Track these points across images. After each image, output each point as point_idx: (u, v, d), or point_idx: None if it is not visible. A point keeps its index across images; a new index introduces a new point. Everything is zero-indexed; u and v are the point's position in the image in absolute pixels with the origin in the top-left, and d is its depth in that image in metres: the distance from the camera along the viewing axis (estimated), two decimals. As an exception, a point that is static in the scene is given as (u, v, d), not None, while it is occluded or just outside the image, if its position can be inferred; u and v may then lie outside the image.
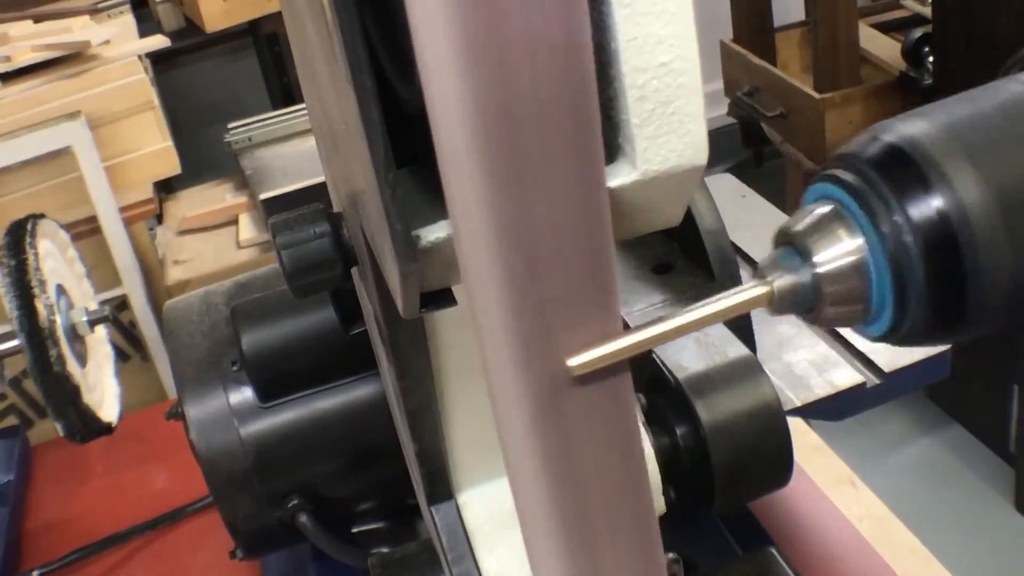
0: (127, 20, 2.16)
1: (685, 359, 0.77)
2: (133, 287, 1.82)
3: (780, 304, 0.35)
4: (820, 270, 0.35)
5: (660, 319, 0.33)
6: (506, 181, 0.28)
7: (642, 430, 0.70)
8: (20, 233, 0.90)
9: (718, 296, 0.34)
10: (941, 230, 0.33)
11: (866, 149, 0.36)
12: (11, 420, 1.79)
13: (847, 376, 0.90)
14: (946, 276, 0.34)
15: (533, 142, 0.28)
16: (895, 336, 0.36)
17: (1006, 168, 0.34)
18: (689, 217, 0.84)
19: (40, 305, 0.85)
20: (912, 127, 0.35)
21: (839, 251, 0.35)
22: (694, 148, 0.36)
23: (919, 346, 0.37)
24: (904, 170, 0.34)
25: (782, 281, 0.35)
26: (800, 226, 0.36)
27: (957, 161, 0.34)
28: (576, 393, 0.32)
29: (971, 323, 0.35)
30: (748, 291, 0.34)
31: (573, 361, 0.31)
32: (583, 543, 0.34)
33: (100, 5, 2.15)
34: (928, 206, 0.34)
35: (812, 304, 0.36)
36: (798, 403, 0.88)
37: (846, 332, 0.96)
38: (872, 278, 0.35)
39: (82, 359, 0.94)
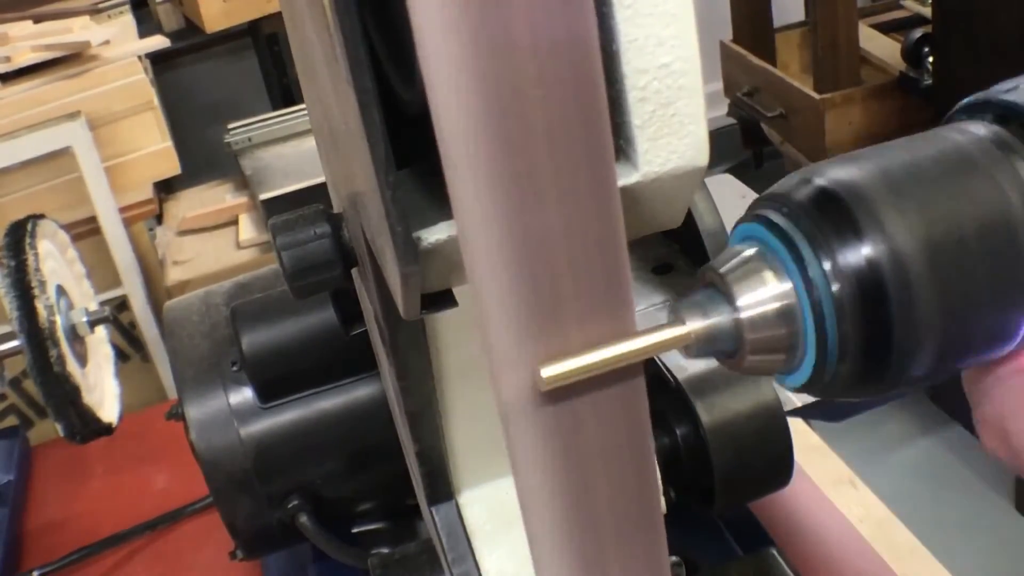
0: (127, 20, 2.16)
1: (685, 359, 0.77)
2: (133, 287, 1.82)
3: (698, 348, 0.34)
4: (742, 315, 0.33)
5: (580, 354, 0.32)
6: (511, 183, 0.28)
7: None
8: (20, 234, 0.90)
9: (636, 335, 0.31)
10: (869, 278, 0.32)
11: (797, 191, 0.35)
12: (11, 420, 1.79)
13: (847, 376, 0.90)
14: (872, 327, 0.33)
15: (540, 144, 0.28)
16: (815, 387, 0.35)
17: (937, 218, 0.33)
18: (689, 217, 0.84)
19: (40, 306, 0.85)
20: (845, 172, 0.34)
21: (763, 295, 0.34)
22: (695, 149, 0.36)
23: (841, 398, 0.36)
24: (834, 215, 0.33)
25: (701, 324, 0.33)
26: (724, 267, 0.34)
27: (888, 209, 0.33)
28: (587, 395, 0.31)
29: (895, 376, 0.34)
30: (665, 331, 0.32)
31: (547, 371, 0.30)
32: (590, 548, 0.34)
33: (100, 5, 2.15)
34: (857, 253, 0.32)
35: (732, 350, 0.34)
36: (798, 403, 0.88)
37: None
38: (795, 326, 0.34)
39: (82, 359, 0.94)
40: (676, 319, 0.33)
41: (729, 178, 1.28)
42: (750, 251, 0.35)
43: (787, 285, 0.33)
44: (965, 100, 0.39)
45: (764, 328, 0.34)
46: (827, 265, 0.33)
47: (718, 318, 0.33)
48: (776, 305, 0.33)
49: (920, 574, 0.90)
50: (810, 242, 0.33)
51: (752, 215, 0.35)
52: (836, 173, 0.34)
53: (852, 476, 0.99)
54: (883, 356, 0.33)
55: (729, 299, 0.34)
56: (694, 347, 0.34)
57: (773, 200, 0.35)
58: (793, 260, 0.33)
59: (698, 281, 0.36)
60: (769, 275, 0.34)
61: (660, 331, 0.32)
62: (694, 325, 0.33)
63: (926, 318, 0.33)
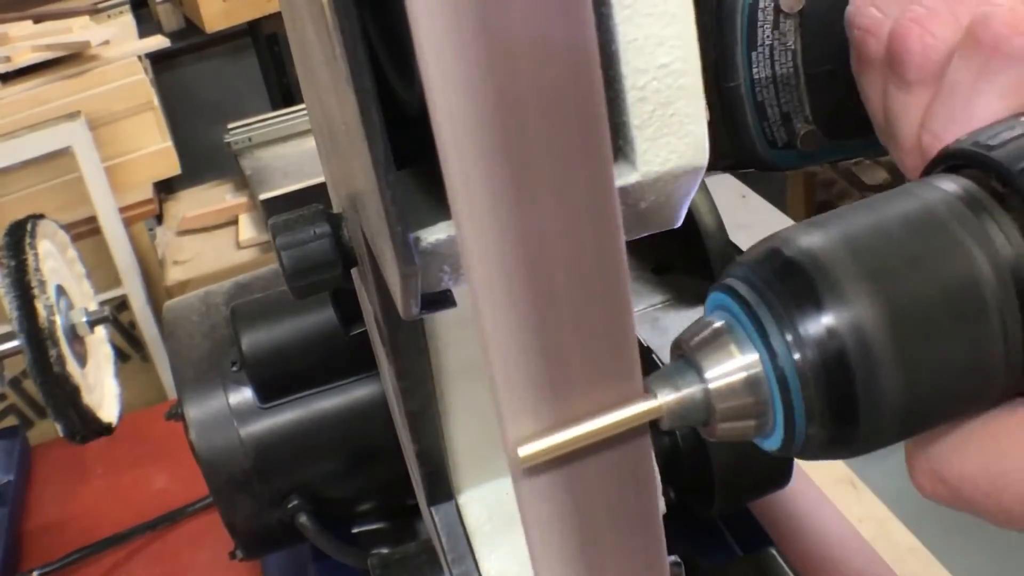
0: (127, 20, 2.16)
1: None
2: (133, 287, 1.82)
3: (670, 420, 0.34)
4: (711, 386, 0.34)
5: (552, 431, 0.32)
6: (512, 184, 0.28)
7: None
8: (20, 234, 0.90)
9: (608, 410, 0.32)
10: (830, 347, 0.32)
11: (762, 262, 0.34)
12: (11, 420, 1.79)
13: (847, 376, 0.90)
14: (836, 396, 0.33)
15: (540, 144, 0.28)
16: (789, 450, 0.35)
17: (901, 287, 0.33)
18: (689, 217, 0.84)
19: (40, 306, 0.85)
20: (809, 239, 0.34)
21: (730, 367, 0.34)
22: (694, 149, 0.36)
23: (818, 459, 0.36)
24: (796, 285, 0.33)
25: (672, 396, 0.34)
26: (694, 340, 0.35)
27: (851, 278, 0.33)
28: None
29: (862, 442, 0.34)
30: (637, 405, 0.33)
31: (522, 450, 0.31)
32: (588, 547, 0.34)
33: (100, 5, 2.16)
34: (817, 323, 0.32)
35: (704, 419, 0.34)
36: (798, 403, 0.88)
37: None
38: (763, 395, 0.34)
39: (82, 359, 0.94)
40: (648, 393, 0.33)
41: (729, 178, 1.28)
42: (718, 323, 0.35)
43: (752, 356, 0.34)
44: (943, 148, 0.38)
45: (732, 397, 0.34)
46: (789, 336, 0.33)
47: (688, 390, 0.34)
48: (742, 375, 0.34)
49: (920, 574, 0.90)
50: (773, 313, 0.33)
51: (721, 284, 0.35)
52: (801, 241, 0.34)
53: (852, 476, 1.00)
54: (850, 422, 0.33)
55: (698, 371, 0.34)
56: (666, 419, 0.34)
57: (740, 269, 0.35)
58: (757, 332, 0.34)
59: (672, 352, 0.36)
60: (734, 347, 0.34)
61: (632, 405, 0.33)
62: (665, 398, 0.33)
63: (890, 387, 0.33)
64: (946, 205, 0.34)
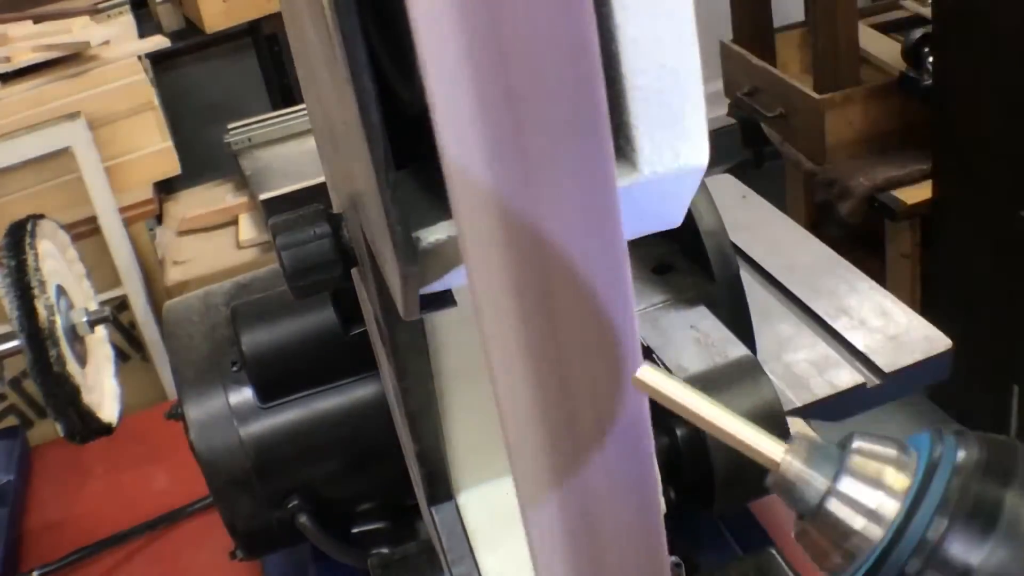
0: (127, 20, 2.15)
1: (685, 359, 0.77)
2: (133, 287, 1.82)
3: (776, 481, 0.33)
4: (838, 486, 0.32)
5: (693, 395, 0.31)
6: (512, 185, 0.28)
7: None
8: (20, 234, 0.90)
9: (743, 423, 0.32)
10: None
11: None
12: (11, 420, 1.78)
13: (847, 376, 0.90)
14: None
15: (540, 144, 0.28)
16: None
17: None
18: (689, 218, 0.84)
19: (40, 305, 0.85)
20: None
21: (864, 495, 0.32)
22: (695, 149, 0.36)
23: None
24: (984, 508, 0.31)
25: (797, 465, 0.32)
26: (865, 443, 0.33)
27: None
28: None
29: None
30: (766, 443, 0.32)
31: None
32: (589, 548, 0.34)
33: (100, 5, 2.15)
34: (966, 551, 0.30)
35: (802, 511, 0.33)
36: (798, 403, 0.88)
37: (846, 332, 0.96)
38: (863, 545, 0.32)
39: (82, 359, 0.93)
40: (789, 445, 0.32)
41: (729, 178, 1.28)
42: (900, 453, 0.33)
43: (893, 505, 0.32)
44: None
45: (839, 523, 0.32)
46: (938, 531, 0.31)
47: (813, 474, 0.33)
48: (866, 511, 0.32)
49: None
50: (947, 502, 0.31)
51: (937, 433, 0.34)
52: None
53: (852, 476, 0.99)
54: None
55: (835, 474, 0.33)
56: (773, 477, 0.33)
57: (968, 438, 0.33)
58: (940, 499, 0.32)
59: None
60: (892, 478, 0.32)
61: (762, 440, 0.32)
62: (791, 462, 0.33)
63: None
64: None
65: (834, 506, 0.32)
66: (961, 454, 0.32)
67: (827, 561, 0.34)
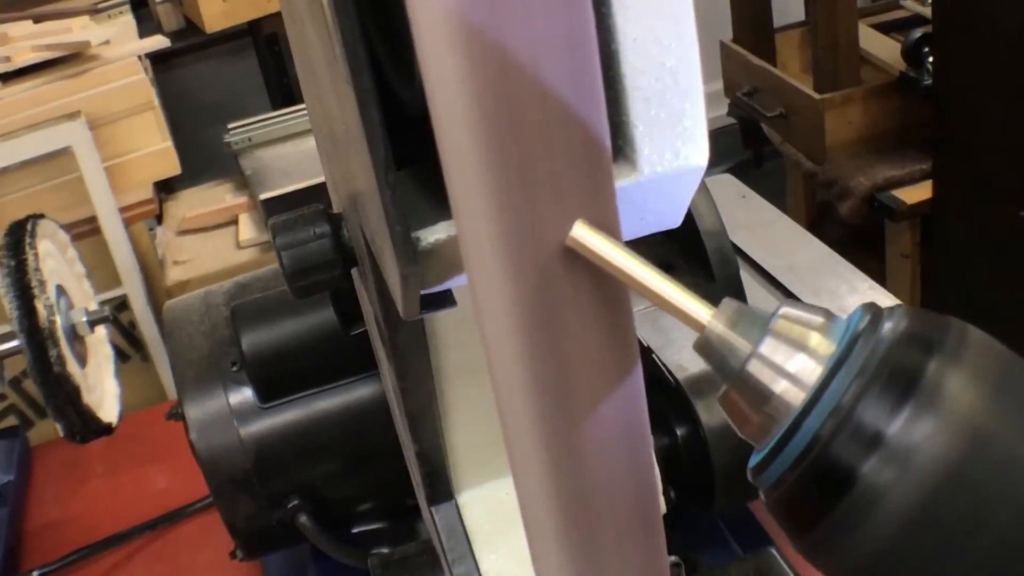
0: (127, 20, 2.15)
1: (685, 359, 0.77)
2: (133, 287, 1.82)
3: (700, 343, 0.32)
4: (760, 350, 0.31)
5: (626, 255, 0.30)
6: (512, 185, 0.28)
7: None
8: (20, 234, 0.90)
9: (675, 285, 0.31)
10: (872, 443, 0.29)
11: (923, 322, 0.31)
12: (11, 420, 1.78)
13: (847, 376, 0.90)
14: (832, 478, 0.30)
15: (540, 145, 0.28)
16: (757, 478, 0.33)
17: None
18: (689, 217, 0.84)
19: (40, 305, 0.85)
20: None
21: (784, 360, 0.31)
22: (695, 149, 0.36)
23: (770, 510, 0.33)
24: (912, 369, 0.30)
25: (720, 328, 0.32)
26: (793, 311, 0.32)
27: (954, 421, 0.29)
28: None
29: (826, 535, 0.31)
30: (695, 304, 0.31)
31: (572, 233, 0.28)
32: (589, 548, 0.34)
33: (100, 5, 2.15)
34: (886, 419, 0.29)
35: (723, 374, 0.32)
36: (798, 403, 0.88)
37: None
38: (783, 408, 0.31)
39: (82, 359, 0.93)
40: (716, 309, 0.32)
41: (729, 178, 1.28)
42: (826, 319, 0.32)
43: (815, 369, 0.31)
44: None
45: (759, 382, 0.32)
46: (856, 391, 0.30)
47: (737, 337, 0.32)
48: (790, 371, 0.31)
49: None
50: (869, 362, 0.30)
51: (868, 305, 0.33)
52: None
53: (852, 476, 0.99)
54: (819, 511, 0.31)
55: (762, 334, 0.32)
56: (698, 340, 0.32)
57: (900, 310, 0.32)
58: (842, 356, 0.31)
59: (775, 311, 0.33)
60: (815, 343, 0.32)
61: (691, 301, 0.31)
62: (715, 322, 0.32)
63: (879, 535, 0.30)
64: None
65: (755, 368, 0.32)
66: (888, 324, 0.32)
67: (747, 426, 0.33)
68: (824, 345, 0.32)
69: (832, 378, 0.31)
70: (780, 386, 0.31)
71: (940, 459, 0.29)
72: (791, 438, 0.31)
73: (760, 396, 0.32)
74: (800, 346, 0.32)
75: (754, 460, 0.34)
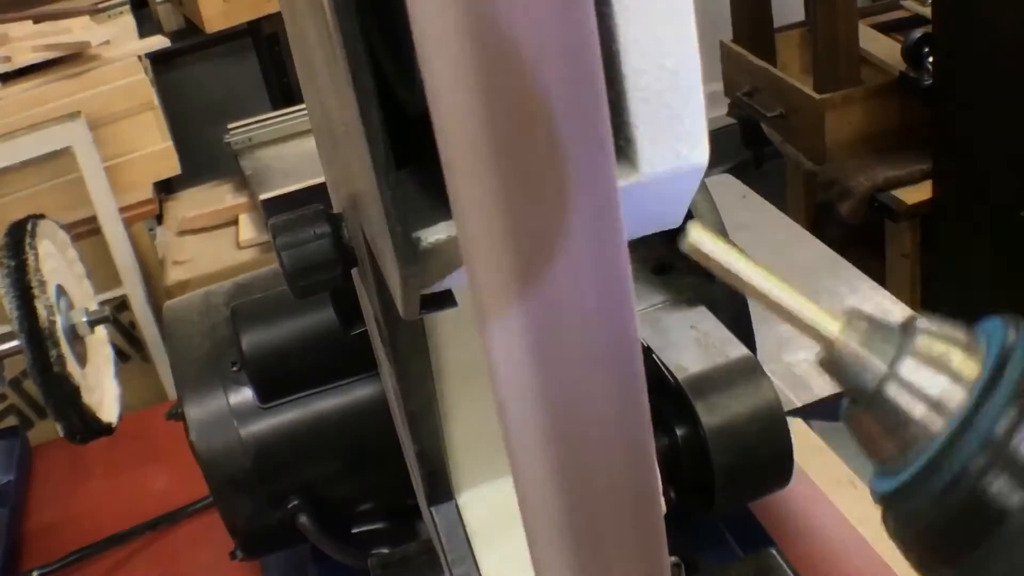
0: (127, 20, 2.15)
1: (685, 360, 0.77)
2: (133, 287, 1.82)
3: (831, 358, 0.30)
4: (898, 370, 0.29)
5: (746, 264, 0.29)
6: (513, 185, 0.28)
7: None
8: (20, 234, 0.90)
9: (798, 294, 0.29)
10: None
11: None
12: (11, 420, 1.78)
13: (847, 376, 0.90)
14: (976, 519, 0.29)
15: (541, 145, 0.28)
16: (896, 503, 0.31)
17: None
18: (689, 218, 0.84)
19: (40, 306, 0.85)
20: None
21: (927, 381, 0.29)
22: (695, 149, 0.36)
23: (903, 545, 0.32)
24: None
25: (851, 345, 0.29)
26: (932, 325, 0.30)
27: None
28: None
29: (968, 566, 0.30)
30: (820, 318, 0.29)
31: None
32: (589, 549, 0.34)
33: (100, 5, 2.15)
34: None
35: (857, 396, 0.30)
36: (798, 404, 0.88)
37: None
38: (927, 429, 0.29)
39: (82, 360, 0.93)
40: (846, 322, 0.29)
41: (729, 178, 1.28)
42: (962, 336, 0.30)
43: (958, 394, 0.29)
44: None
45: (901, 404, 0.30)
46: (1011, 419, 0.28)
47: (871, 355, 0.30)
48: (934, 391, 0.29)
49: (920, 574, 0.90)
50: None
51: (1011, 319, 0.31)
52: None
53: (852, 476, 0.99)
54: (973, 545, 0.29)
55: (900, 353, 0.30)
56: (827, 354, 0.30)
57: None
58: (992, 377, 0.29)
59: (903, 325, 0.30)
60: (961, 365, 0.29)
61: (817, 315, 0.29)
62: (848, 341, 0.30)
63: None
64: None
65: (893, 391, 0.29)
66: None
67: (876, 448, 0.31)
68: (968, 367, 0.30)
69: (983, 404, 0.29)
70: (919, 411, 0.30)
71: None
72: (936, 470, 0.29)
73: (897, 420, 0.30)
74: (942, 367, 0.30)
75: (886, 485, 0.31)
